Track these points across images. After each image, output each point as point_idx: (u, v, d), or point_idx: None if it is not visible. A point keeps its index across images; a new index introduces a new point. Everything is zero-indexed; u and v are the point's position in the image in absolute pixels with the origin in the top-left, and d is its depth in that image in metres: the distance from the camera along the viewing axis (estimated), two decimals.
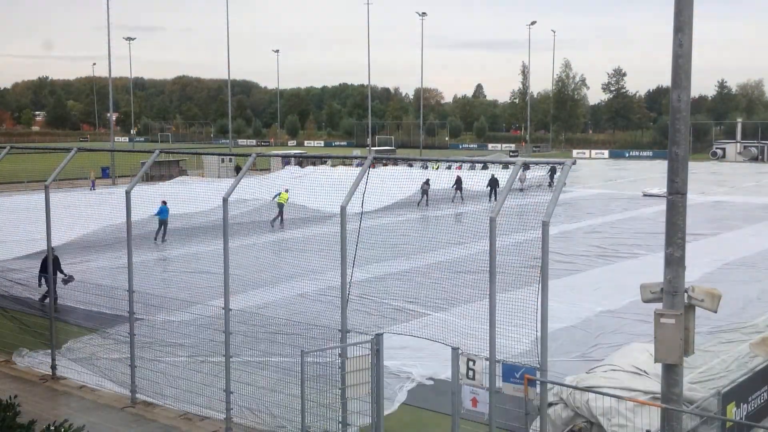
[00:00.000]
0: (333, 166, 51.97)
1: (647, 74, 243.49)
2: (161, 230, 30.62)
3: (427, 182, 41.25)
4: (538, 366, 9.17)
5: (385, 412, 11.17)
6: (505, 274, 9.71)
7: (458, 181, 42.53)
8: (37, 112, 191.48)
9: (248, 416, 12.17)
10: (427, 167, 46.03)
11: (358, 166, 20.21)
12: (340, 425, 10.50)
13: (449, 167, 49.09)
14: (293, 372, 11.05)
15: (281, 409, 11.82)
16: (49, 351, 15.29)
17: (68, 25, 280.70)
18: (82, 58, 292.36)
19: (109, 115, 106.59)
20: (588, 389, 9.89)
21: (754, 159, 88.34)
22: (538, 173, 48.04)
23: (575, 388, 9.91)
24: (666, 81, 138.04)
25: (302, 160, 54.89)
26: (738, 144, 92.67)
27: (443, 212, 38.41)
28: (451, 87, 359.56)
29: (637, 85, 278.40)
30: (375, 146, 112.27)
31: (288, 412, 11.39)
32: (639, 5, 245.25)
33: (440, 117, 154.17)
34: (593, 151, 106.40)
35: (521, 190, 41.04)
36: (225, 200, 12.18)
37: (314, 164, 50.65)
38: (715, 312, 8.83)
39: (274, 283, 18.94)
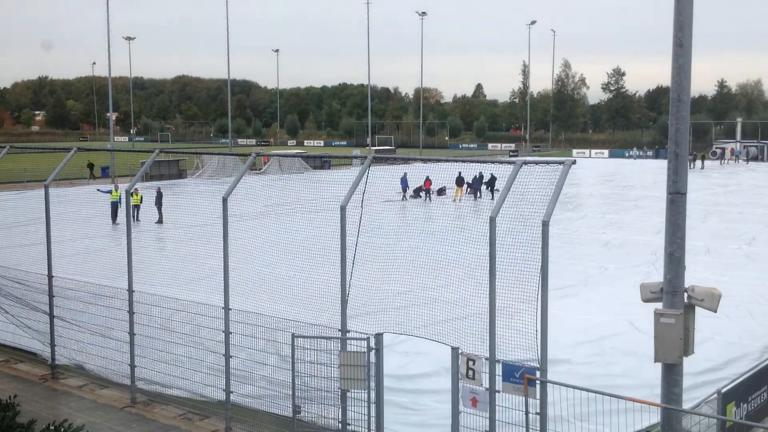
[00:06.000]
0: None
1: (647, 74, 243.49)
2: None
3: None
4: (538, 366, 9.17)
5: None
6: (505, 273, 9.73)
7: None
8: (36, 112, 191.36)
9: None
10: None
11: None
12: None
13: None
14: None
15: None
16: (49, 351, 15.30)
17: (68, 24, 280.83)
18: (82, 58, 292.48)
19: (108, 114, 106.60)
20: (587, 390, 9.87)
21: (754, 159, 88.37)
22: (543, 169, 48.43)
23: (575, 387, 9.89)
24: (666, 81, 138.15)
25: None
26: (738, 144, 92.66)
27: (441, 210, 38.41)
28: (451, 87, 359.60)
29: (637, 84, 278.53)
30: (375, 146, 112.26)
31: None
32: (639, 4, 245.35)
33: (440, 117, 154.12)
34: (593, 151, 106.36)
35: None
36: (224, 200, 12.17)
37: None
38: (715, 312, 8.83)
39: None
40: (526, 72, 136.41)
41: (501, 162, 10.57)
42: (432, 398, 12.90)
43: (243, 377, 12.66)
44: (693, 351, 8.79)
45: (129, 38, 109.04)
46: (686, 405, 9.76)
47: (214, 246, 13.84)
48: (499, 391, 9.45)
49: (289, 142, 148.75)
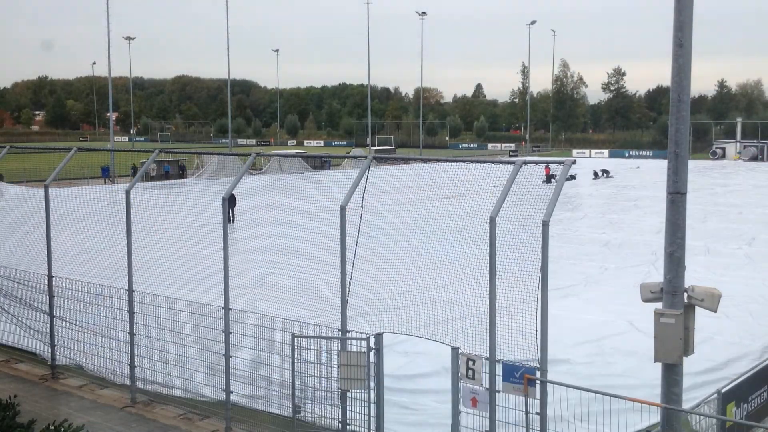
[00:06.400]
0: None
1: (647, 74, 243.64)
2: None
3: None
4: (538, 366, 9.17)
5: None
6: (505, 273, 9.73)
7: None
8: (36, 112, 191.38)
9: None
10: None
11: None
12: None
13: None
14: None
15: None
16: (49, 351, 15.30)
17: (68, 24, 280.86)
18: (82, 58, 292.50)
19: (108, 114, 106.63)
20: (587, 390, 9.87)
21: (754, 159, 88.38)
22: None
23: (575, 387, 9.89)
24: (666, 81, 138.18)
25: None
26: (738, 143, 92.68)
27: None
28: (451, 87, 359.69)
29: (637, 84, 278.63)
30: (375, 146, 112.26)
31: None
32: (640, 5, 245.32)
33: (440, 116, 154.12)
34: (593, 151, 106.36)
35: None
36: (224, 200, 12.17)
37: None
38: (715, 312, 8.83)
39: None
40: (525, 72, 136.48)
41: (501, 162, 10.56)
42: (432, 398, 12.90)
43: (243, 377, 12.66)
44: (693, 351, 8.79)
45: (129, 38, 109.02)
46: (686, 405, 9.77)
47: (214, 246, 13.83)
48: (499, 391, 9.45)
49: (289, 142, 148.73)
